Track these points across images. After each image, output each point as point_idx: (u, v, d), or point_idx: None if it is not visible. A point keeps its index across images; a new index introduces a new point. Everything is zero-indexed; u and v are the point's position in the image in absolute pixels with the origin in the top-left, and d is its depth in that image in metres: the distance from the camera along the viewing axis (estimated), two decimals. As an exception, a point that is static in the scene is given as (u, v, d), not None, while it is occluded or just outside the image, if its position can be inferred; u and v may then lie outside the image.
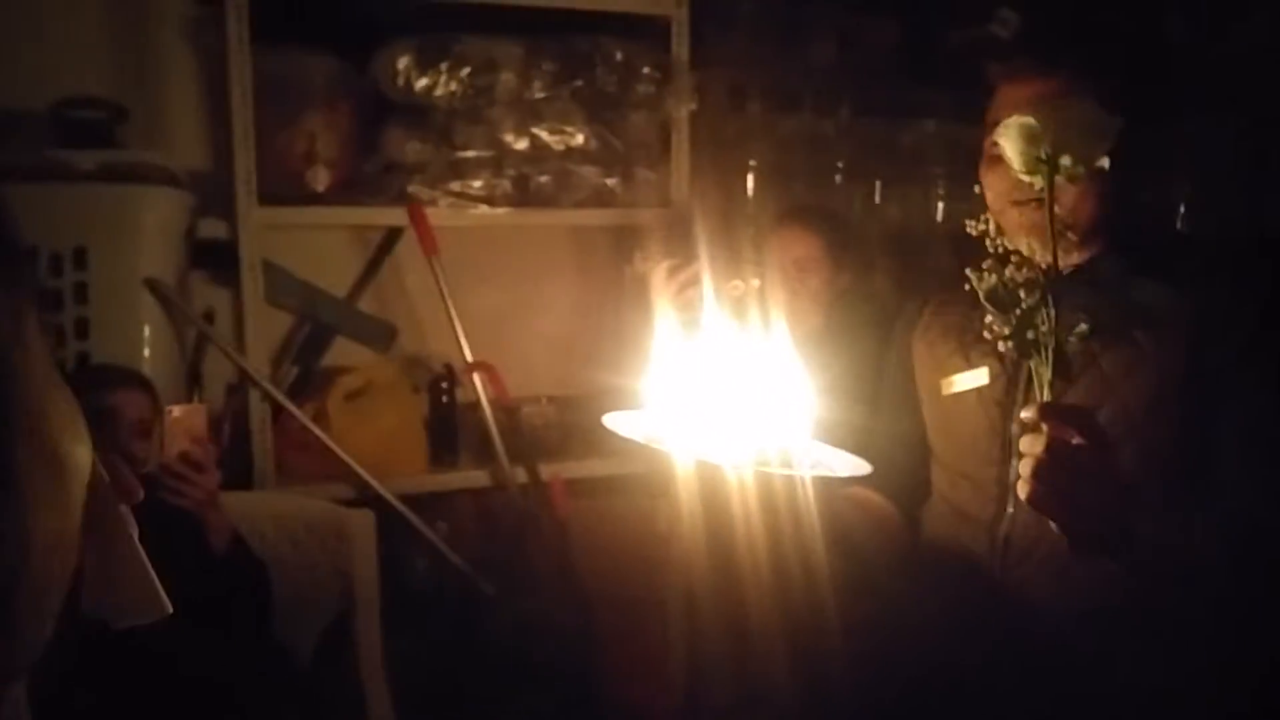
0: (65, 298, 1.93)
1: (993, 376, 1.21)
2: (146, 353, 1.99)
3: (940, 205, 2.46)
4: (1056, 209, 0.95)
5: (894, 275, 2.36)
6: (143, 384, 1.76)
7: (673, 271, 1.38)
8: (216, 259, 2.22)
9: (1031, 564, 1.17)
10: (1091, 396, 1.12)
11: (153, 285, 1.98)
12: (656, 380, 1.13)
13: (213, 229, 2.20)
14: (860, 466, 1.09)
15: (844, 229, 2.23)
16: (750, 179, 2.40)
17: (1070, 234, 1.05)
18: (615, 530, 2.33)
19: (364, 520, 1.98)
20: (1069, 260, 1.11)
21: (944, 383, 1.25)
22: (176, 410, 1.68)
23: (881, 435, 1.34)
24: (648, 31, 2.29)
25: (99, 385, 1.70)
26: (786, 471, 1.04)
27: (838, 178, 2.43)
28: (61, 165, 1.99)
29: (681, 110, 2.30)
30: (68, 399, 0.42)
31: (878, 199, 2.48)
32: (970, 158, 1.23)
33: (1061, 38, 1.50)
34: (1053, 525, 0.99)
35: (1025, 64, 1.18)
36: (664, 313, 1.34)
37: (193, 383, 2.24)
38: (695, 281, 1.35)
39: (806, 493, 1.10)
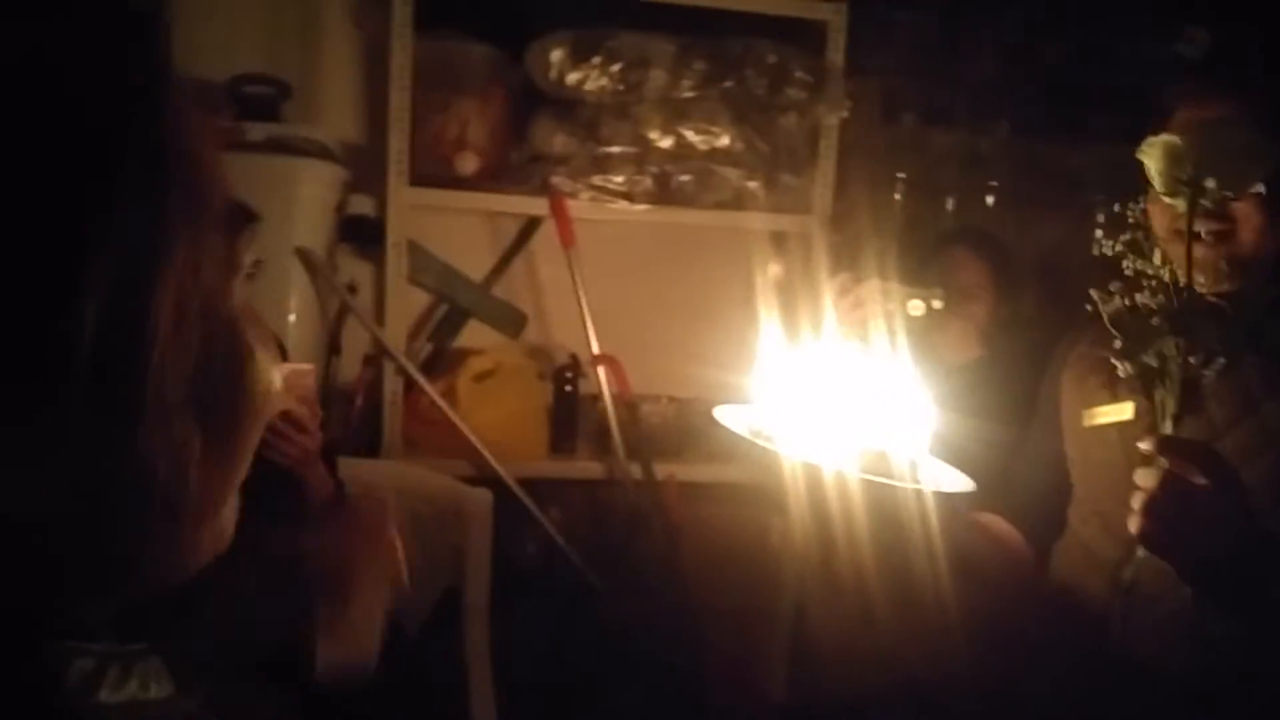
0: (224, 260, 2.04)
1: (1138, 413, 1.14)
2: (292, 318, 2.08)
3: (1099, 233, 2.33)
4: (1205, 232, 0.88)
5: (1050, 305, 2.26)
6: (271, 343, 1.83)
7: (846, 286, 1.33)
8: (363, 234, 2.30)
9: (1156, 615, 1.09)
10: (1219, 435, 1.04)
11: (302, 254, 2.07)
12: (773, 380, 1.12)
13: (362, 205, 2.29)
14: (966, 483, 1.05)
15: (1008, 256, 2.14)
16: (898, 193, 2.33)
17: (1222, 263, 0.98)
18: (726, 537, 2.30)
19: (482, 499, 2.02)
20: (1218, 289, 1.03)
21: (1086, 414, 1.19)
22: (286, 370, 1.70)
23: (1025, 465, 1.29)
24: (802, 35, 2.25)
25: None
26: (888, 481, 1.01)
27: (990, 198, 2.33)
28: (238, 136, 2.10)
29: (832, 117, 2.25)
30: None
31: (1033, 223, 2.37)
32: (1136, 184, 1.16)
33: (1252, 59, 1.40)
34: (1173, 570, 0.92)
35: (1211, 85, 1.10)
36: (833, 327, 1.31)
37: (332, 352, 2.33)
38: (870, 299, 1.30)
39: (922, 505, 1.06)
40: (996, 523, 1.27)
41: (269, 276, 2.05)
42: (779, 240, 2.34)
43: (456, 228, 2.49)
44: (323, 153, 2.14)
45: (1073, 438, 1.24)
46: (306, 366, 1.69)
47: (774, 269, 2.28)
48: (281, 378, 1.60)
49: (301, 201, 2.10)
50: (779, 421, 1.10)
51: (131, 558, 0.40)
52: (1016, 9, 2.31)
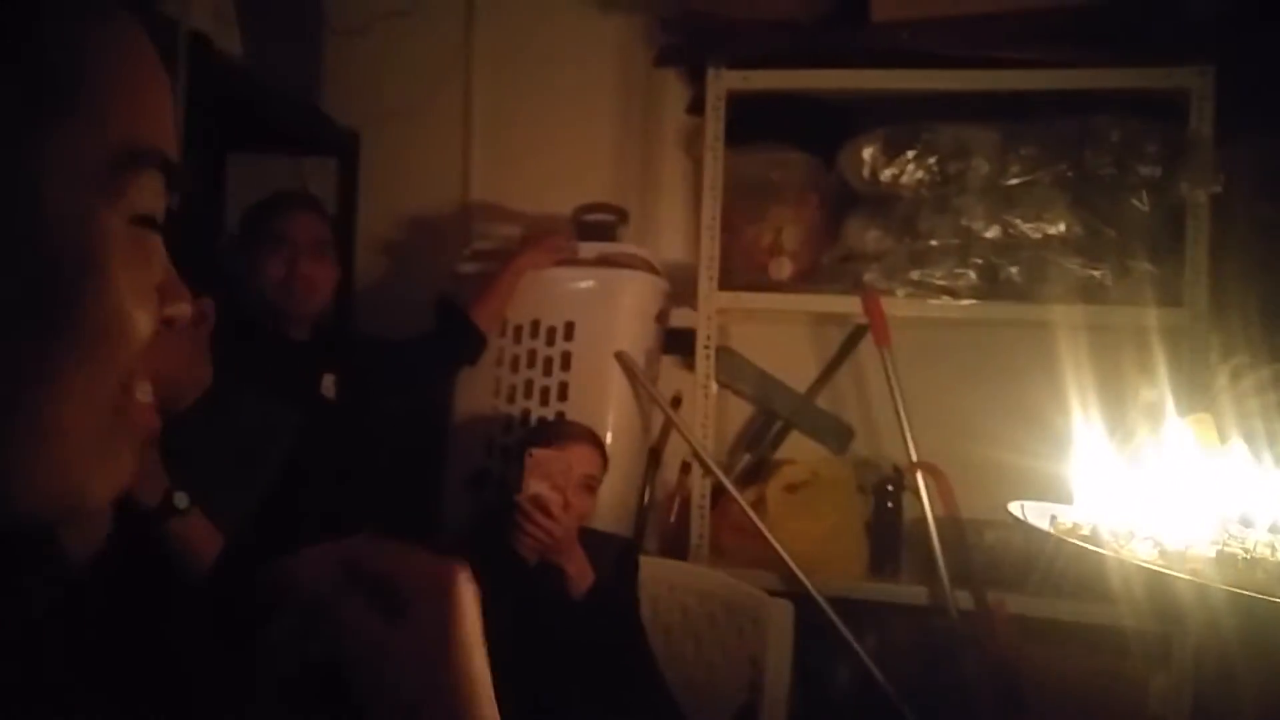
0: (554, 364, 2.19)
1: None
2: (610, 419, 2.16)
3: None
4: None
5: None
6: (594, 442, 1.89)
7: (1239, 372, 1.17)
8: (687, 346, 2.36)
9: None
10: None
11: (619, 356, 2.16)
12: (1096, 469, 0.95)
13: (686, 319, 2.36)
14: None
15: None
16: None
17: None
18: (1080, 687, 1.94)
19: (782, 610, 1.90)
20: None
21: None
22: (537, 453, 1.70)
23: None
24: (1153, 105, 2.00)
25: (558, 435, 1.88)
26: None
27: None
28: (572, 254, 2.29)
29: (1201, 194, 1.95)
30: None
31: None
32: None
33: None
34: None
35: None
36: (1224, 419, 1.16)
37: (653, 460, 2.38)
38: (1272, 385, 1.14)
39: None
40: None
41: (592, 378, 2.17)
42: (1141, 338, 2.03)
43: (777, 338, 2.48)
44: (642, 264, 2.25)
45: None
46: (559, 451, 1.71)
47: (1145, 393, 1.97)
48: (534, 464, 1.63)
49: (622, 310, 2.21)
50: (1104, 520, 0.93)
51: None
52: None
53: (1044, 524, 0.94)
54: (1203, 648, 1.79)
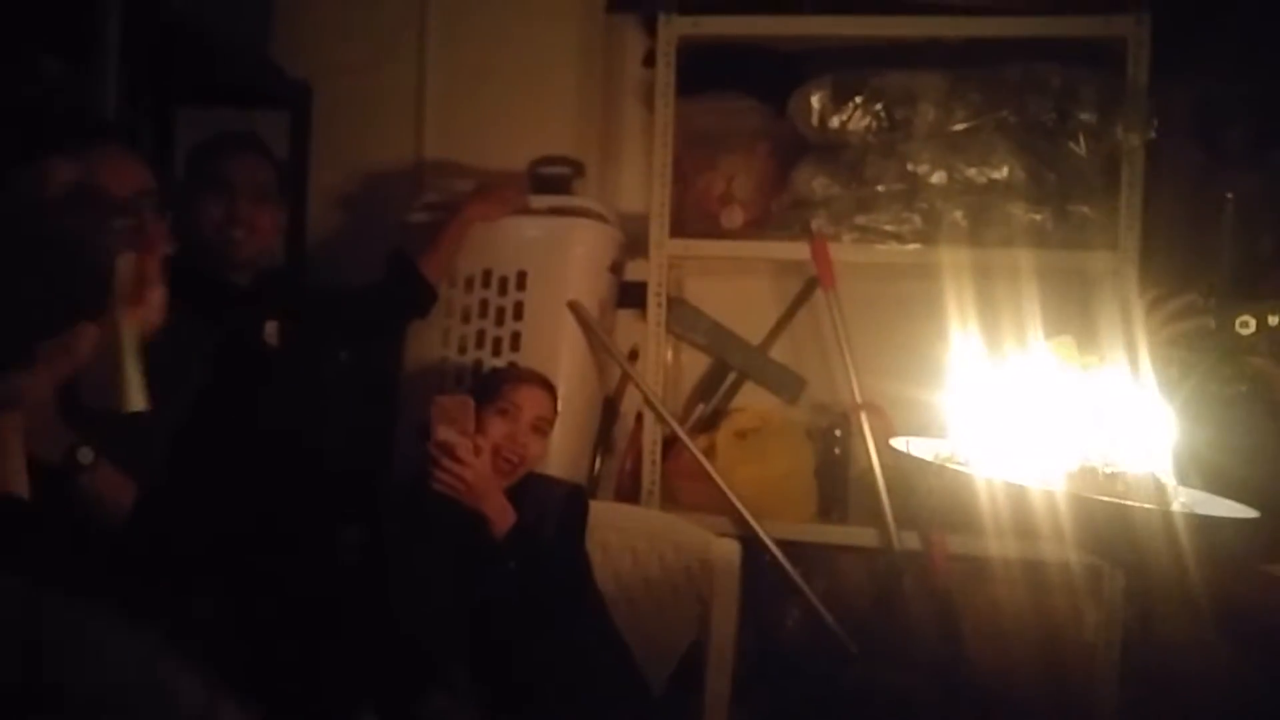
0: (506, 314, 2.20)
1: None
2: (563, 368, 2.17)
3: None
4: None
5: None
6: (544, 384, 1.90)
7: (1158, 302, 1.23)
8: (645, 300, 2.38)
9: None
10: None
11: (572, 306, 2.17)
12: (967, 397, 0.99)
13: (643, 271, 2.37)
14: (1239, 510, 0.83)
15: None
16: (1226, 219, 1.97)
17: None
18: (1019, 623, 1.99)
19: (729, 549, 1.93)
20: None
21: None
22: (441, 399, 1.73)
23: None
24: (1092, 53, 2.03)
25: (507, 380, 1.89)
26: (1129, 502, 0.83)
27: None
28: (524, 206, 2.30)
29: (1135, 139, 1.99)
30: None
31: None
32: None
33: None
34: None
35: None
36: (1146, 346, 1.23)
37: (609, 407, 2.40)
38: (1187, 314, 1.20)
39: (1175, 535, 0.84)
40: None
41: (545, 328, 2.18)
42: (1079, 279, 2.06)
43: (734, 291, 2.50)
44: (593, 214, 2.26)
45: None
46: (464, 397, 1.74)
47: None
48: (439, 410, 1.63)
49: (574, 260, 2.22)
50: (974, 446, 0.96)
51: None
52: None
53: (929, 456, 0.96)
54: (1131, 581, 1.84)
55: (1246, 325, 1.20)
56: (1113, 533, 0.83)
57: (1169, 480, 0.86)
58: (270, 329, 1.78)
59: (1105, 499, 0.79)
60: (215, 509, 1.38)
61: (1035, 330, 0.97)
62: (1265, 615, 0.92)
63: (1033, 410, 0.94)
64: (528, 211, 2.26)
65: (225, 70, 2.31)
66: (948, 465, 0.94)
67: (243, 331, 1.74)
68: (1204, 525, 0.80)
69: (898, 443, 1.01)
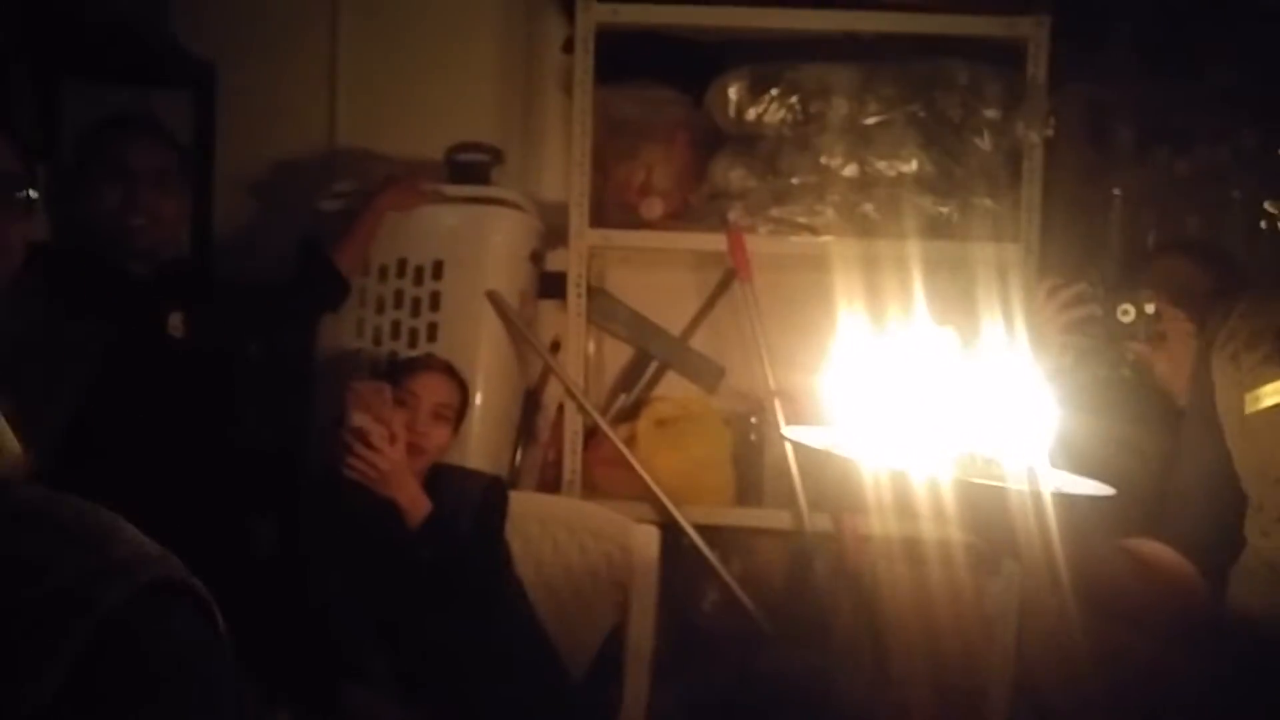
0: (422, 304, 2.18)
1: None
2: (481, 359, 2.16)
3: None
4: None
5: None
6: (449, 372, 1.88)
7: (1054, 291, 1.32)
8: (564, 289, 2.38)
9: None
10: None
11: (491, 296, 2.16)
12: (846, 385, 1.01)
13: (564, 261, 2.37)
14: (1097, 488, 0.87)
15: (1234, 267, 1.84)
16: (1114, 214, 2.08)
17: None
18: (926, 600, 2.06)
19: (647, 535, 1.96)
20: None
21: (1249, 397, 0.96)
22: (357, 385, 1.73)
23: (1181, 476, 1.06)
24: (997, 52, 2.10)
25: (407, 369, 1.88)
26: (995, 483, 0.86)
27: (1226, 218, 2.02)
28: (438, 196, 2.27)
29: (1035, 136, 2.07)
30: None
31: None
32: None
33: None
34: None
35: None
36: (1041, 334, 1.32)
37: (530, 399, 2.40)
38: (1078, 302, 1.30)
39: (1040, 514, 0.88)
40: (1156, 551, 1.03)
41: (463, 319, 2.16)
42: (983, 269, 2.14)
43: (656, 283, 2.52)
44: (512, 204, 2.25)
45: (1236, 430, 1.00)
46: (380, 384, 1.73)
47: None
48: (355, 396, 1.61)
49: (492, 249, 2.21)
50: (860, 431, 0.98)
51: None
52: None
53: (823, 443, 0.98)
54: (1030, 556, 1.92)
55: (1127, 313, 1.31)
56: (986, 514, 0.86)
57: (1040, 462, 0.90)
58: (175, 320, 1.73)
59: (977, 480, 0.82)
60: (110, 501, 1.34)
61: (933, 319, 1.01)
62: (1113, 584, 0.98)
63: (918, 396, 0.96)
64: (445, 200, 2.24)
65: (117, 45, 2.20)
66: (833, 452, 0.95)
67: (143, 323, 1.69)
68: (1063, 503, 0.84)
69: (789, 431, 1.03)
